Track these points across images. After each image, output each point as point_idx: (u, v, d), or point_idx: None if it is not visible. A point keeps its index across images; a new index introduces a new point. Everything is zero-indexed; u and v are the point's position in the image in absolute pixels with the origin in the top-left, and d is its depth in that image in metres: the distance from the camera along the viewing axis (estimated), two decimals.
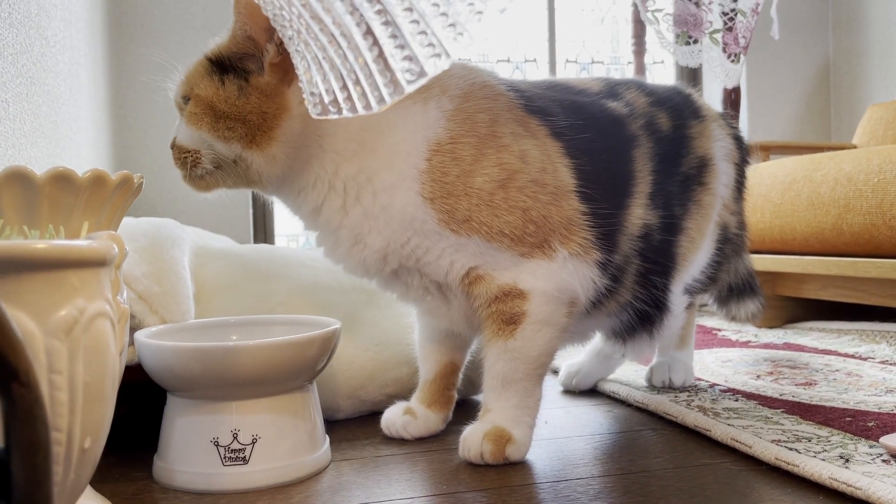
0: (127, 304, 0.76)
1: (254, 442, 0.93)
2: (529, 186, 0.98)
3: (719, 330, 2.12)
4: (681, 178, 1.17)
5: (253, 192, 2.65)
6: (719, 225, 1.26)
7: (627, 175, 1.09)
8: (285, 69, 0.93)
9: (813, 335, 1.98)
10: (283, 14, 0.55)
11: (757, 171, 2.09)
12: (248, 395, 0.94)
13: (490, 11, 0.51)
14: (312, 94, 0.56)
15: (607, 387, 1.41)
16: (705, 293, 1.38)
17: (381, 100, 0.52)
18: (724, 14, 2.53)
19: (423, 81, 0.51)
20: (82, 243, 0.56)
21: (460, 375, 1.20)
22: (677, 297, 1.21)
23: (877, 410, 1.19)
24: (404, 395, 1.23)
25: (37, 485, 0.41)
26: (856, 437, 1.04)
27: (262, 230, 2.84)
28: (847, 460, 0.93)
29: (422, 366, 1.18)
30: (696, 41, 2.49)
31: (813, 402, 1.25)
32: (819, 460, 0.92)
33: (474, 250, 0.98)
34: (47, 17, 1.47)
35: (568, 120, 1.04)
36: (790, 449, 0.97)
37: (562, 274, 1.00)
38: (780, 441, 1.01)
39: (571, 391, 1.43)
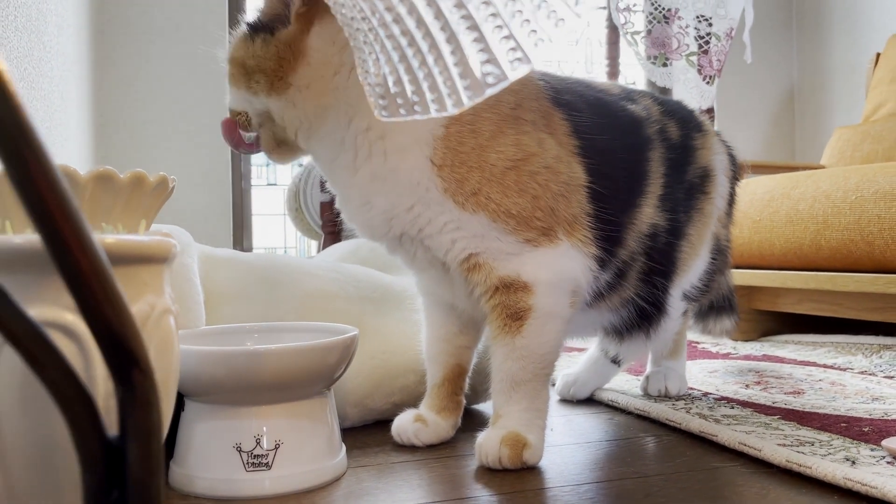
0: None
1: (276, 447, 0.93)
2: (542, 173, 0.99)
3: (698, 342, 2.16)
4: (686, 185, 1.22)
5: (234, 202, 2.65)
6: (714, 236, 1.31)
7: (643, 174, 1.13)
8: (309, 18, 0.96)
9: (789, 347, 2.04)
10: (352, 6, 0.57)
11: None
12: (270, 399, 0.94)
13: (570, 20, 0.53)
14: (382, 96, 0.57)
15: (605, 395, 1.43)
16: (698, 302, 1.42)
17: (458, 102, 0.54)
18: (700, 37, 2.61)
19: (504, 85, 0.53)
20: (154, 239, 0.56)
21: (467, 380, 1.21)
22: (676, 302, 1.25)
23: (868, 416, 1.23)
24: (411, 403, 1.23)
25: (151, 472, 0.42)
26: (856, 441, 1.07)
27: (241, 242, 2.82)
28: (853, 462, 0.96)
29: (429, 368, 1.19)
30: (671, 63, 2.56)
31: (805, 410, 1.29)
32: (829, 462, 0.95)
33: (476, 230, 0.98)
34: (44, 23, 1.46)
35: (592, 117, 1.07)
36: (797, 452, 1.00)
37: (564, 261, 1.01)
38: (784, 445, 1.04)
39: (569, 400, 1.45)
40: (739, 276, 2.10)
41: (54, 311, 0.50)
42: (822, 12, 3.18)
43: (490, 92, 0.54)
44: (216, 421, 0.94)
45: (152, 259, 0.56)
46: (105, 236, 0.52)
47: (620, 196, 1.09)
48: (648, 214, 1.13)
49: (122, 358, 0.40)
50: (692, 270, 1.26)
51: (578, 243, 1.03)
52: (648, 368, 1.49)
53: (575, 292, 1.05)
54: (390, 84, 0.58)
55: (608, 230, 1.06)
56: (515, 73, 0.53)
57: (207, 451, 0.94)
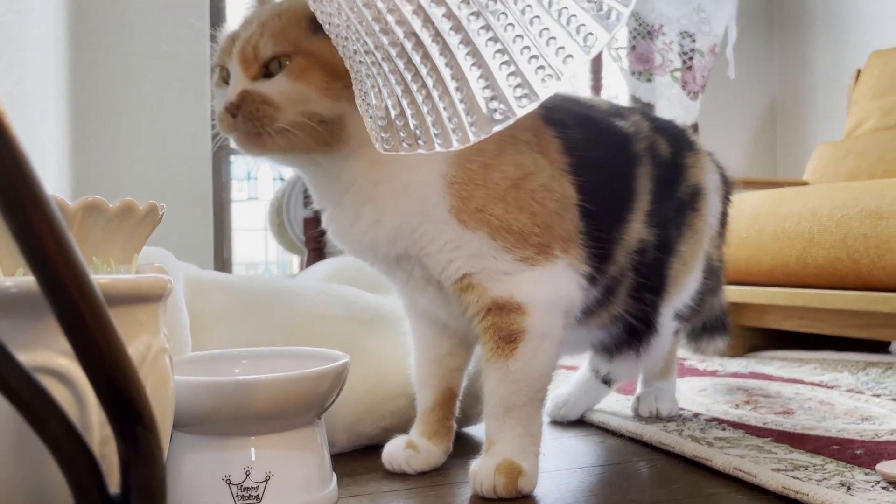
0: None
1: (267, 479, 0.91)
2: (539, 191, 1.00)
3: (685, 359, 2.16)
4: (677, 202, 1.22)
5: (215, 216, 2.61)
6: (707, 255, 1.30)
7: (630, 191, 1.13)
8: None
9: (776, 364, 2.05)
10: (356, 40, 0.55)
11: None
12: (260, 430, 0.92)
13: (578, 56, 0.52)
14: (384, 129, 0.56)
15: (596, 417, 1.42)
16: (690, 322, 1.42)
17: (464, 138, 0.53)
18: (684, 53, 2.62)
19: (511, 121, 0.52)
20: (149, 277, 0.54)
21: (458, 403, 1.19)
22: (667, 320, 1.24)
23: (860, 438, 1.23)
24: (401, 427, 1.22)
25: None
26: (850, 465, 1.07)
27: (221, 256, 2.79)
28: (849, 488, 0.96)
29: (420, 392, 1.17)
30: (652, 79, 2.58)
31: (797, 431, 1.28)
32: (825, 488, 0.95)
33: (475, 249, 0.98)
34: (26, 39, 1.43)
35: (581, 134, 1.08)
36: (793, 478, 0.99)
37: (559, 281, 1.01)
38: (778, 470, 1.04)
39: (559, 422, 1.44)
40: (727, 293, 2.10)
41: (46, 356, 0.48)
42: (804, 29, 3.22)
43: (497, 128, 0.53)
44: (204, 452, 0.92)
45: (148, 298, 0.54)
46: (101, 277, 0.50)
47: (609, 213, 1.09)
48: (637, 230, 1.13)
49: (125, 413, 0.38)
50: (685, 289, 1.25)
51: (574, 261, 1.03)
52: (639, 389, 1.49)
53: (568, 312, 1.05)
54: (393, 116, 0.57)
55: (598, 247, 1.06)
56: (523, 109, 0.52)
57: (196, 484, 0.91)
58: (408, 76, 0.54)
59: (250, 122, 0.92)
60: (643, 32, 2.65)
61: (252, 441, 0.92)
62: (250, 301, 1.21)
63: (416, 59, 0.52)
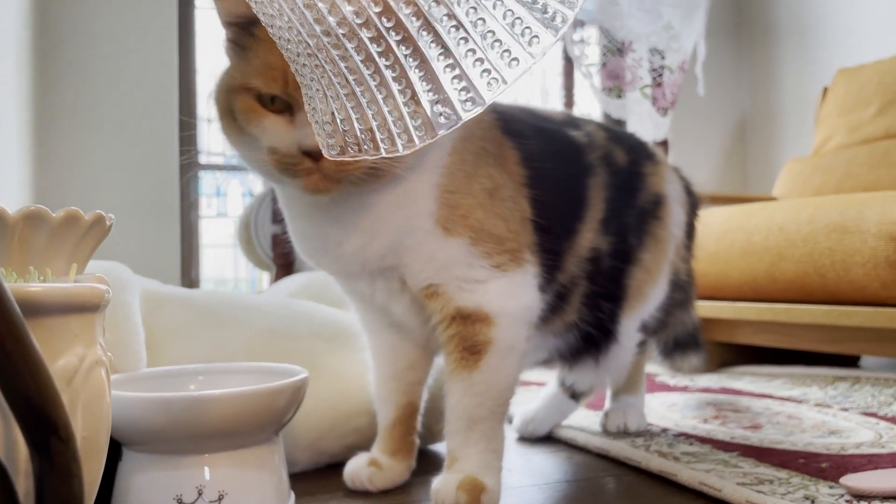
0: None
1: (220, 499, 0.88)
2: (508, 201, 1.01)
3: (656, 375, 2.16)
4: (637, 211, 1.22)
5: (182, 233, 2.58)
6: (674, 269, 1.30)
7: (581, 201, 1.13)
8: None
9: (746, 379, 2.04)
10: (298, 42, 0.54)
11: None
12: (214, 448, 0.89)
13: (524, 60, 0.51)
14: (330, 135, 0.54)
15: (564, 433, 1.40)
16: (657, 336, 1.41)
17: (409, 142, 0.51)
18: (654, 70, 2.64)
19: (456, 126, 0.51)
20: (83, 286, 0.52)
21: (420, 418, 1.17)
22: (629, 331, 1.24)
23: (826, 452, 1.22)
24: (364, 445, 1.19)
25: None
26: (814, 479, 1.06)
27: (189, 273, 2.75)
28: (812, 501, 0.95)
29: (380, 409, 1.15)
30: (622, 95, 2.59)
31: (764, 445, 1.28)
32: (789, 502, 0.94)
33: (448, 259, 0.97)
34: None
35: (537, 146, 1.08)
36: (757, 492, 0.98)
37: (527, 290, 1.01)
38: (744, 484, 1.03)
39: (527, 438, 1.42)
40: (697, 308, 2.10)
41: None
42: (773, 48, 3.26)
43: (443, 132, 0.51)
44: (156, 472, 0.89)
45: (83, 308, 0.52)
46: (30, 285, 0.48)
47: (560, 225, 1.09)
48: (587, 239, 1.13)
49: (37, 424, 0.36)
50: (649, 299, 1.25)
51: (534, 270, 1.03)
52: (607, 404, 1.48)
53: (530, 324, 1.04)
54: (339, 121, 0.55)
55: (548, 257, 1.06)
56: (468, 113, 0.51)
57: None
58: (351, 78, 0.52)
59: (338, 169, 0.86)
60: (613, 49, 2.66)
61: (205, 459, 0.89)
62: (210, 316, 1.19)
63: (358, 60, 0.51)
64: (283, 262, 2.21)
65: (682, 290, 1.38)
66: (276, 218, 2.46)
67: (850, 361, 2.38)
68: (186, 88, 2.64)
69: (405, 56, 0.50)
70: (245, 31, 0.90)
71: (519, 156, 1.06)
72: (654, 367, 2.27)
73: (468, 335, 0.99)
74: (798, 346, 1.96)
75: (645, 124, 2.56)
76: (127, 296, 1.09)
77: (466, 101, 0.50)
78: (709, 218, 2.12)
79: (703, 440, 1.33)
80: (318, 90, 0.56)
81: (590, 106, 3.36)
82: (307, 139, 0.84)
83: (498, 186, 1.00)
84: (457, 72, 0.50)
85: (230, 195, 2.78)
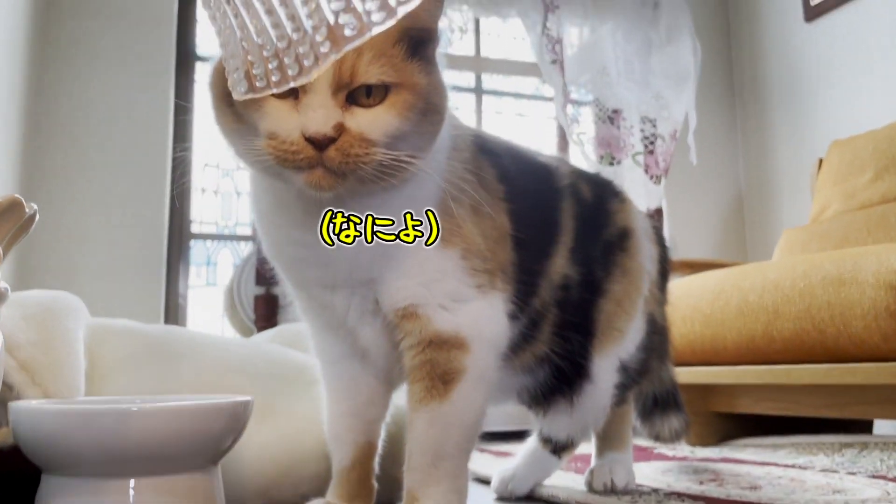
0: None
1: None
2: (487, 218, 0.97)
3: (654, 447, 2.04)
4: (602, 244, 1.18)
5: (168, 301, 2.52)
6: (646, 312, 1.24)
7: (555, 224, 1.10)
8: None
9: (749, 451, 1.93)
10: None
11: (685, 283, 2.10)
12: (140, 471, 0.80)
13: None
14: (238, 71, 0.50)
15: (545, 491, 1.30)
16: (637, 383, 1.32)
17: (315, 63, 0.47)
18: (646, 138, 2.64)
19: (363, 38, 0.46)
20: None
21: (377, 460, 1.08)
22: (603, 369, 1.16)
23: None
24: (320, 494, 1.09)
25: None
26: None
27: (175, 317, 2.63)
28: None
29: (336, 450, 1.05)
30: (619, 162, 2.58)
31: (762, 503, 1.17)
32: None
33: (436, 273, 0.92)
34: None
35: (511, 164, 1.06)
36: None
37: (500, 316, 0.96)
38: None
39: (507, 498, 1.32)
40: (693, 375, 2.01)
41: None
42: (766, 120, 3.28)
43: (349, 46, 0.47)
44: (77, 497, 0.80)
45: None
46: None
47: (537, 244, 1.06)
48: (560, 265, 1.09)
49: None
50: (625, 334, 1.18)
51: (506, 297, 0.98)
52: (593, 461, 1.38)
53: (500, 354, 0.99)
54: (267, 55, 0.51)
55: (525, 279, 1.01)
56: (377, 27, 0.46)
57: None
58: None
59: (343, 161, 0.79)
60: (603, 117, 2.67)
61: (131, 484, 0.81)
62: (159, 349, 1.12)
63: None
64: (265, 326, 2.14)
65: (659, 336, 1.31)
66: (260, 280, 2.42)
67: (864, 427, 2.26)
68: (180, 158, 2.64)
69: None
70: None
71: (496, 172, 1.03)
72: (649, 442, 2.15)
73: (441, 362, 0.92)
74: (802, 413, 1.85)
75: (637, 192, 2.53)
76: (68, 321, 1.03)
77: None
78: (703, 280, 2.05)
79: (696, 498, 1.22)
80: (227, 29, 0.52)
81: None
82: (311, 124, 0.77)
83: (478, 203, 0.97)
84: None
85: (220, 264, 2.74)
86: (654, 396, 1.47)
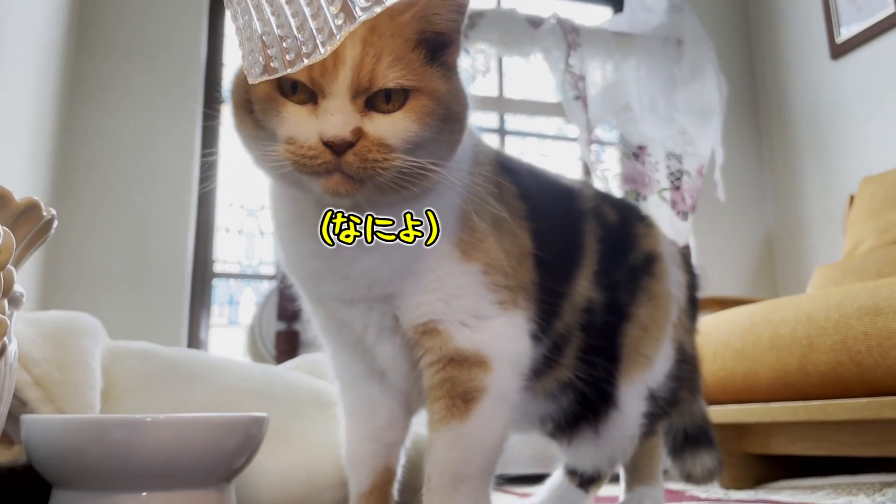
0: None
1: None
2: (508, 236, 0.95)
3: (686, 490, 1.97)
4: (627, 268, 1.14)
5: (191, 314, 2.51)
6: (675, 339, 1.20)
7: (578, 245, 1.07)
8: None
9: (786, 493, 1.85)
10: None
11: (714, 318, 2.05)
12: (153, 485, 0.78)
13: None
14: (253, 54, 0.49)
15: None
16: (666, 414, 1.27)
17: (329, 37, 0.46)
18: (671, 174, 2.62)
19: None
20: None
21: (396, 486, 1.04)
22: (630, 396, 1.12)
23: None
24: None
25: None
26: None
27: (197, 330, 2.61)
28: None
29: (353, 475, 1.01)
30: (644, 198, 2.56)
31: None
32: None
33: (457, 288, 0.90)
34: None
35: (532, 182, 1.04)
36: None
37: (522, 336, 0.93)
38: None
39: None
40: (725, 413, 1.94)
41: None
42: (794, 156, 3.24)
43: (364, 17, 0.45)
44: None
45: None
46: None
47: (559, 264, 1.03)
48: (583, 287, 1.06)
49: None
50: (653, 361, 1.13)
51: (528, 315, 0.96)
52: (622, 496, 1.32)
53: (522, 375, 0.95)
54: (280, 35, 0.50)
55: (547, 300, 0.99)
56: None
57: None
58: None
59: (361, 166, 0.78)
60: (628, 153, 2.66)
61: (143, 499, 0.78)
62: (176, 371, 1.10)
63: None
64: (285, 361, 2.12)
65: (689, 365, 1.26)
66: (281, 315, 2.41)
67: None
68: (205, 197, 2.66)
69: None
70: None
71: (517, 191, 1.01)
72: (681, 485, 2.08)
73: (462, 380, 0.90)
74: (840, 453, 1.77)
75: (665, 228, 2.50)
76: (86, 340, 1.01)
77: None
78: (733, 315, 2.00)
79: None
80: (243, 12, 0.51)
81: None
82: (330, 128, 0.76)
83: (500, 221, 0.95)
84: None
85: (243, 304, 2.73)
86: (685, 432, 1.41)
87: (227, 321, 2.71)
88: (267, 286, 2.71)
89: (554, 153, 3.24)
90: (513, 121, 3.19)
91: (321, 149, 0.77)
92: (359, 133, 0.77)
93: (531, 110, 3.17)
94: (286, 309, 2.24)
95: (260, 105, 0.80)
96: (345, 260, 0.90)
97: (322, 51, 0.47)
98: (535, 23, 2.71)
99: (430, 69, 0.82)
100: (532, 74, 3.17)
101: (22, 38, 1.76)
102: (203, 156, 2.64)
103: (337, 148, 0.77)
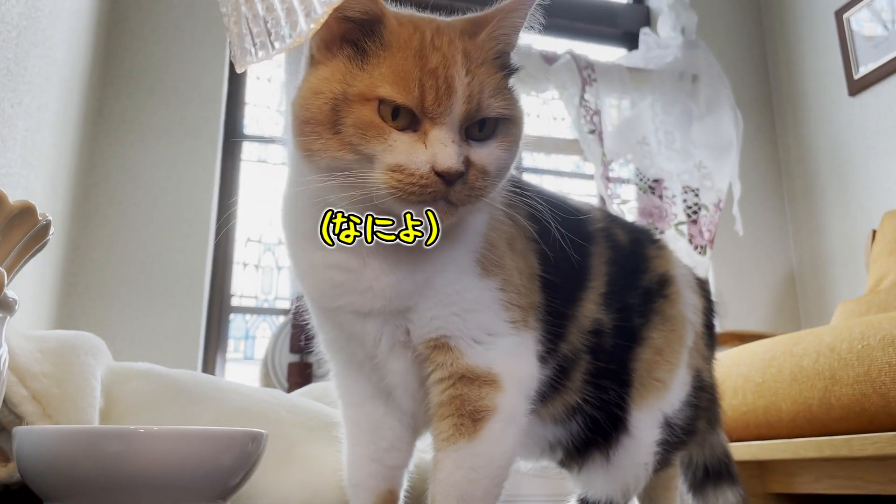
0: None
1: None
2: (520, 255, 0.95)
3: None
4: (641, 291, 1.12)
5: (206, 348, 2.50)
6: (692, 367, 1.17)
7: (584, 268, 1.06)
8: None
9: None
10: None
11: (734, 353, 2.01)
12: (146, 500, 0.77)
13: None
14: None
15: None
16: (683, 444, 1.23)
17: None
18: (689, 207, 2.60)
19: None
20: None
21: None
22: (643, 422, 1.09)
23: None
24: None
25: None
26: None
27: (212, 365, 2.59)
28: None
29: (355, 497, 0.99)
30: (662, 232, 2.54)
31: None
32: None
33: (476, 300, 0.90)
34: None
35: (541, 203, 1.01)
36: None
37: (531, 356, 0.92)
38: None
39: None
40: (747, 450, 1.88)
41: None
42: (814, 192, 3.21)
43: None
44: None
45: None
46: None
47: (565, 286, 1.01)
48: (590, 310, 1.05)
49: None
50: (668, 386, 1.10)
51: (536, 336, 0.95)
52: None
53: (530, 397, 0.94)
54: (255, 33, 0.50)
55: (552, 322, 0.98)
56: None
57: None
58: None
59: (467, 195, 0.80)
60: (644, 187, 2.64)
61: None
62: (180, 393, 1.09)
63: None
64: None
65: (707, 394, 1.23)
66: (294, 347, 2.39)
67: None
68: (224, 232, 2.68)
69: None
70: (367, 32, 0.81)
71: (526, 211, 0.99)
72: None
73: (472, 398, 0.88)
74: (867, 491, 1.71)
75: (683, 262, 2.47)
76: (87, 357, 1.01)
77: None
78: (753, 348, 1.96)
79: None
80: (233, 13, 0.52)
81: None
82: (445, 159, 0.77)
83: (513, 238, 0.96)
84: None
85: (259, 338, 2.72)
86: (706, 466, 1.36)
87: (243, 356, 2.70)
88: (282, 320, 2.70)
89: (570, 190, 3.24)
90: (529, 158, 3.20)
91: (433, 178, 0.78)
92: (468, 163, 0.79)
93: (547, 148, 3.17)
94: (299, 340, 2.24)
95: (359, 129, 0.78)
96: (370, 273, 0.89)
97: (307, 31, 0.47)
98: (549, 59, 2.73)
99: (512, 94, 0.85)
100: (548, 112, 3.18)
101: (44, 70, 1.80)
102: (222, 192, 2.67)
103: (451, 178, 0.78)
